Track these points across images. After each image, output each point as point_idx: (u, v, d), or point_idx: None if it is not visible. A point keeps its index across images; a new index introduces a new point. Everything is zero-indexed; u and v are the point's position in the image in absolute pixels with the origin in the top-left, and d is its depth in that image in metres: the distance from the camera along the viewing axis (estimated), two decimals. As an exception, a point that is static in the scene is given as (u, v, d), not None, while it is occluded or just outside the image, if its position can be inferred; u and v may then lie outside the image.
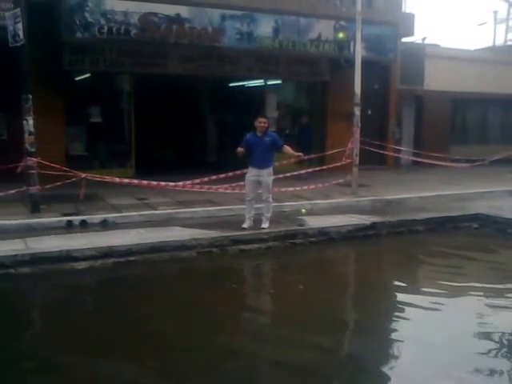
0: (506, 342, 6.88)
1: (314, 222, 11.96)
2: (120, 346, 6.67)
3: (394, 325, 7.70)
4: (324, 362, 6.39)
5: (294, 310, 8.07)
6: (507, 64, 24.76)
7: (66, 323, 7.36)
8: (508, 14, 38.62)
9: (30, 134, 11.61)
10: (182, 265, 9.85)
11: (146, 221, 11.84)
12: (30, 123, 11.59)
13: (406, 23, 19.39)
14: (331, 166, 15.98)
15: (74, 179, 12.37)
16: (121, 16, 14.26)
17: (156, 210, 12.56)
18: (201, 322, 7.34)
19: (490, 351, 6.58)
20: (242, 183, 12.04)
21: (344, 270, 10.76)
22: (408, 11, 21.10)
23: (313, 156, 16.53)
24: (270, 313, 8.38)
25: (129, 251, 9.72)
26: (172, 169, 16.98)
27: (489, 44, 35.27)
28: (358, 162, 15.12)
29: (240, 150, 11.06)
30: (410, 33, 20.03)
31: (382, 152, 18.64)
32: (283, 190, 14.03)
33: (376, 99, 21.27)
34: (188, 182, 13.33)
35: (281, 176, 14.15)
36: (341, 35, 16.96)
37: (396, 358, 6.58)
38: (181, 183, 13.30)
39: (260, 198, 11.34)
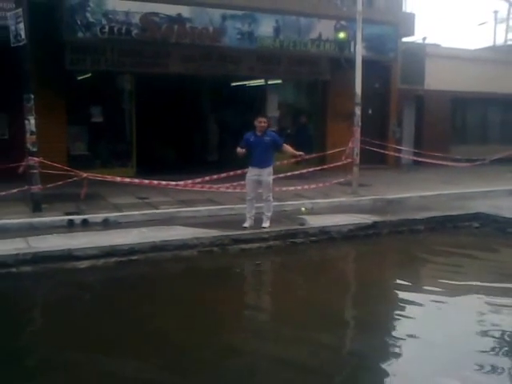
0: (507, 341, 6.91)
1: (315, 222, 11.98)
2: (123, 344, 6.69)
3: (395, 323, 7.73)
4: (326, 360, 6.42)
5: (295, 308, 8.09)
6: (507, 64, 24.77)
7: (68, 322, 7.38)
8: (508, 13, 38.67)
9: (32, 133, 11.65)
10: (183, 264, 9.88)
11: (148, 220, 11.87)
12: (31, 123, 11.63)
13: (406, 23, 19.42)
14: (332, 165, 16.03)
15: (75, 178, 12.41)
16: (122, 16, 14.30)
17: (157, 209, 12.59)
18: (203, 321, 7.37)
19: (491, 349, 6.61)
20: (242, 182, 12.07)
21: (345, 269, 10.80)
22: (408, 11, 21.15)
23: (312, 156, 16.55)
24: (271, 312, 8.40)
25: (131, 250, 9.75)
26: (173, 168, 17.02)
27: (489, 44, 35.32)
28: (358, 161, 15.15)
29: (241, 150, 11.09)
30: (411, 32, 20.06)
31: (382, 151, 18.66)
32: (284, 189, 14.07)
33: (376, 99, 21.30)
34: (189, 182, 13.36)
35: (281, 175, 14.21)
36: (341, 35, 16.98)
37: (397, 355, 6.60)
38: (182, 182, 13.33)
39: (260, 198, 11.38)
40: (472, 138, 24.67)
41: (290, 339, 6.85)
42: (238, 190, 13.26)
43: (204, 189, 13.36)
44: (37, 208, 11.83)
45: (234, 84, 20.94)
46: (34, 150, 11.67)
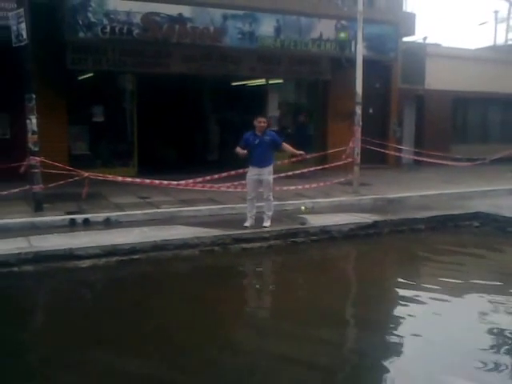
0: (508, 338, 6.94)
1: (316, 221, 12.00)
2: (125, 342, 6.71)
3: (396, 321, 7.74)
4: (328, 358, 6.46)
5: (297, 307, 8.10)
6: (508, 63, 24.78)
7: (69, 321, 7.41)
8: (509, 13, 38.69)
9: (34, 133, 11.68)
10: (184, 263, 9.91)
11: (149, 219, 11.90)
12: (33, 122, 11.66)
13: (407, 23, 19.42)
14: (333, 164, 16.06)
15: (76, 178, 12.46)
16: (123, 16, 14.32)
17: (159, 208, 12.63)
18: (204, 319, 7.40)
19: (492, 347, 6.66)
20: (243, 182, 12.10)
21: (346, 269, 10.82)
22: (409, 11, 21.11)
23: (313, 155, 16.59)
24: (272, 311, 8.42)
25: (132, 249, 9.77)
26: (174, 168, 17.07)
27: (490, 43, 35.31)
28: (359, 160, 15.18)
29: (242, 151, 11.10)
30: (411, 32, 20.05)
31: (383, 151, 18.69)
32: (285, 188, 14.11)
33: (377, 98, 21.32)
34: (190, 181, 13.39)
35: (282, 175, 14.25)
36: (342, 35, 17.01)
37: (399, 353, 6.64)
38: (183, 182, 13.37)
39: (261, 197, 11.41)
40: (472, 137, 24.69)
41: (292, 337, 6.87)
42: (238, 190, 13.30)
43: (205, 188, 13.38)
44: (38, 207, 11.86)
45: (234, 84, 20.95)
46: (36, 149, 11.71)
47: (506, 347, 6.72)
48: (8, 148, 14.53)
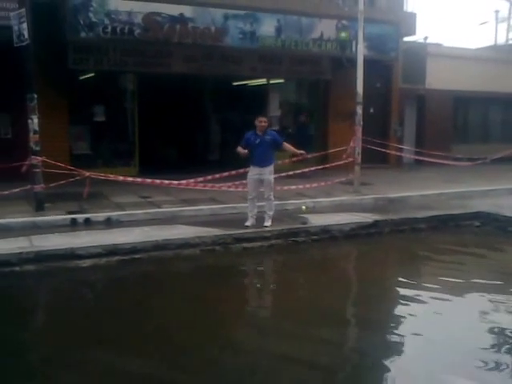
0: (508, 338, 6.96)
1: (317, 220, 12.01)
2: (126, 342, 6.72)
3: (397, 321, 7.74)
4: (329, 357, 6.47)
5: (298, 307, 8.09)
6: (509, 63, 24.79)
7: (71, 320, 7.42)
8: (509, 13, 38.70)
9: (35, 132, 11.71)
10: (186, 262, 9.91)
11: (150, 219, 11.92)
12: (34, 122, 11.68)
13: (407, 22, 19.42)
14: (333, 164, 16.06)
15: (78, 178, 12.50)
16: (125, 16, 14.34)
17: (160, 208, 12.65)
18: (206, 319, 7.41)
19: (493, 347, 6.66)
20: (244, 181, 12.10)
21: (347, 268, 10.83)
22: (410, 10, 21.15)
23: (314, 155, 16.61)
24: (273, 310, 8.42)
25: (133, 249, 9.77)
26: (175, 167, 17.11)
27: (490, 43, 35.30)
28: (360, 160, 15.20)
29: (243, 151, 11.10)
30: (412, 32, 20.04)
31: (384, 150, 18.72)
32: (286, 188, 14.13)
33: (378, 98, 21.34)
34: (191, 181, 13.41)
35: (283, 174, 14.26)
36: (343, 34, 17.03)
37: (400, 353, 6.65)
38: (184, 181, 13.39)
39: (262, 197, 11.42)
40: (473, 137, 24.72)
41: (293, 337, 6.88)
42: (239, 189, 13.32)
43: (206, 188, 13.40)
44: (40, 207, 11.88)
45: (235, 83, 20.97)
46: (37, 149, 11.74)
47: (507, 346, 6.71)
48: (9, 148, 14.56)
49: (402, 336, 7.07)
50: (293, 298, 8.51)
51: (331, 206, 13.85)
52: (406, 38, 20.96)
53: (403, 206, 13.98)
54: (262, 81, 20.09)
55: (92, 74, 16.99)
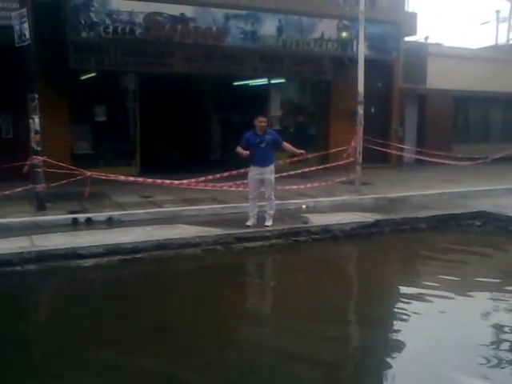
0: (510, 335, 7.00)
1: (318, 220, 12.03)
2: (127, 341, 6.74)
3: (399, 318, 7.75)
4: (332, 353, 6.52)
5: (299, 307, 8.09)
6: (509, 63, 24.79)
7: (72, 320, 7.42)
8: (510, 13, 38.62)
9: (36, 132, 11.72)
10: (187, 262, 9.92)
11: (152, 218, 11.93)
12: (36, 122, 11.70)
13: (408, 22, 19.43)
14: (334, 164, 16.07)
15: (79, 177, 12.51)
16: (126, 16, 14.35)
17: (161, 207, 12.66)
18: (208, 318, 7.42)
19: (495, 344, 6.72)
20: (245, 181, 12.09)
21: (348, 267, 10.84)
22: (411, 10, 21.20)
23: (314, 154, 16.65)
24: (275, 310, 8.42)
25: (135, 248, 9.79)
26: (176, 167, 17.15)
27: (491, 43, 35.29)
28: (361, 160, 15.20)
29: (245, 153, 11.08)
30: (413, 32, 20.06)
31: (384, 150, 18.75)
32: (287, 188, 14.14)
33: (379, 98, 21.34)
34: (192, 180, 13.42)
35: (284, 174, 14.26)
36: (344, 34, 17.03)
37: (403, 350, 6.68)
38: (185, 181, 13.40)
39: (263, 196, 11.43)
40: (474, 136, 24.72)
41: (297, 335, 6.91)
42: (240, 189, 13.34)
43: (207, 187, 13.41)
44: (41, 207, 11.90)
45: (236, 83, 21.00)
46: (39, 149, 11.75)
47: (509, 343, 6.77)
48: (11, 147, 14.57)
49: (405, 334, 7.12)
50: (295, 298, 8.50)
51: (332, 205, 13.86)
52: (407, 38, 20.97)
53: (404, 206, 13.98)
54: (263, 81, 20.10)
55: (93, 74, 16.99)
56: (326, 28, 16.95)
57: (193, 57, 17.44)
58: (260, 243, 10.80)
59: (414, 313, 7.78)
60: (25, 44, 11.47)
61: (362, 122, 15.15)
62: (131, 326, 7.16)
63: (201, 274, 9.52)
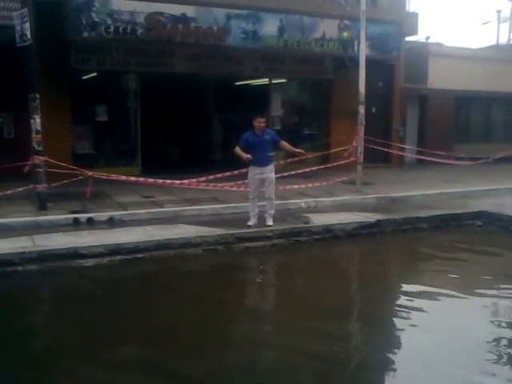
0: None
1: (319, 220, 12.02)
2: (129, 340, 6.75)
3: (400, 317, 7.76)
4: (336, 350, 6.56)
5: (301, 306, 8.10)
6: (510, 62, 24.79)
7: (74, 320, 7.42)
8: (511, 13, 38.60)
9: (37, 132, 11.73)
10: (188, 262, 9.90)
11: (153, 218, 11.93)
12: (37, 122, 11.71)
13: (409, 22, 19.43)
14: (335, 164, 16.07)
15: (80, 177, 12.52)
16: (127, 16, 14.36)
17: (162, 207, 12.66)
18: (208, 318, 7.42)
19: (498, 341, 6.74)
20: (247, 181, 12.09)
21: (349, 267, 10.81)
22: (412, 10, 21.23)
23: (315, 154, 16.68)
24: (276, 309, 8.42)
25: (136, 248, 9.77)
26: (178, 167, 17.14)
27: (492, 43, 35.25)
28: (362, 159, 15.20)
29: (246, 156, 11.05)
30: (414, 32, 20.06)
31: (386, 150, 18.74)
32: (288, 187, 14.16)
33: (380, 97, 21.36)
34: (193, 180, 13.43)
35: (285, 174, 14.28)
36: (345, 34, 17.03)
37: (405, 348, 6.72)
38: (186, 181, 13.41)
39: (263, 196, 11.44)
40: (475, 136, 24.72)
41: (301, 333, 6.96)
42: (242, 189, 13.35)
43: (208, 187, 13.43)
44: (42, 206, 11.90)
45: (238, 83, 20.99)
46: (40, 148, 11.76)
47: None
48: (12, 147, 14.57)
49: (408, 332, 7.16)
50: (297, 298, 8.51)
51: (333, 205, 13.86)
52: (408, 38, 20.97)
53: (405, 206, 13.98)
54: (265, 80, 20.11)
55: (94, 74, 17.01)
56: (327, 28, 16.95)
57: (194, 57, 17.45)
58: (261, 243, 10.80)
59: (417, 311, 7.82)
60: (26, 44, 11.48)
61: (363, 122, 15.14)
62: (132, 326, 7.16)
63: (202, 274, 9.52)
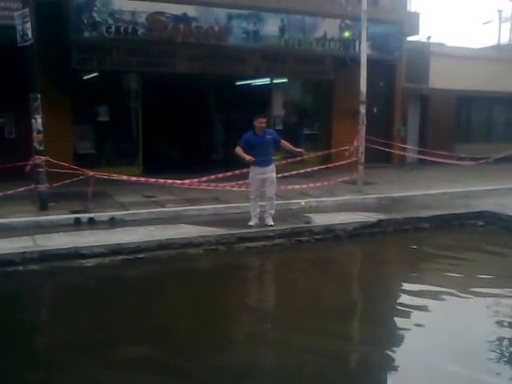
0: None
1: (320, 220, 12.02)
2: (129, 340, 6.75)
3: (401, 317, 7.78)
4: (338, 348, 6.61)
5: (303, 306, 8.10)
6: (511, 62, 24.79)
7: (74, 320, 7.43)
8: (513, 12, 38.55)
9: (39, 132, 11.73)
10: (189, 262, 9.90)
11: (154, 218, 11.93)
12: (38, 122, 11.71)
13: (411, 22, 19.42)
14: (337, 163, 16.08)
15: (81, 177, 12.52)
16: (128, 15, 14.36)
17: (164, 207, 12.66)
18: (208, 318, 7.43)
19: (500, 339, 6.75)
20: (248, 181, 12.09)
21: (350, 267, 10.80)
22: (413, 10, 21.19)
23: (317, 154, 16.70)
24: (278, 309, 8.42)
25: (137, 248, 9.78)
26: (179, 167, 17.17)
27: (494, 42, 35.22)
28: (363, 159, 15.19)
29: (249, 158, 11.04)
30: (415, 31, 20.04)
31: (387, 150, 18.73)
32: (289, 187, 14.16)
33: (381, 97, 21.33)
34: (195, 180, 13.44)
35: (287, 174, 14.28)
36: (346, 34, 17.03)
37: (407, 345, 6.77)
38: (188, 181, 13.41)
39: (264, 196, 11.44)
40: (476, 136, 24.70)
41: (304, 331, 6.99)
42: (243, 189, 13.34)
43: (210, 187, 13.42)
44: (43, 206, 11.91)
45: (239, 83, 20.99)
46: (41, 148, 11.76)
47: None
48: (13, 147, 14.56)
49: (409, 330, 7.20)
50: (298, 297, 8.53)
51: (335, 205, 13.86)
52: (410, 38, 20.92)
53: (407, 206, 13.98)
54: (266, 80, 20.09)
55: (96, 74, 17.00)
56: (329, 28, 16.95)
57: (195, 56, 17.45)
58: (262, 243, 10.80)
59: (419, 310, 7.85)
60: (27, 44, 11.48)
61: (365, 122, 15.13)
62: (132, 326, 7.16)
63: (203, 274, 9.52)
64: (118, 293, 8.56)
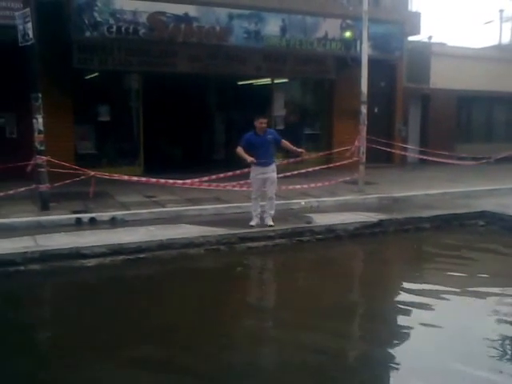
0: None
1: (321, 220, 12.02)
2: (130, 339, 6.75)
3: (404, 316, 7.80)
4: (339, 345, 6.64)
5: (304, 306, 8.08)
6: (513, 62, 24.79)
7: (75, 319, 7.44)
8: (514, 12, 38.49)
9: (40, 132, 11.74)
10: (190, 262, 9.90)
11: (155, 218, 11.93)
12: (39, 122, 11.72)
13: (412, 22, 19.43)
14: (338, 163, 16.09)
15: (82, 177, 12.54)
16: (129, 15, 14.37)
17: (165, 207, 12.66)
18: (209, 318, 7.43)
19: (502, 337, 6.77)
20: (249, 181, 12.08)
21: (352, 267, 10.80)
22: (414, 10, 21.18)
23: (318, 154, 16.70)
24: (279, 308, 8.39)
25: (138, 248, 9.77)
26: (180, 167, 17.16)
27: (495, 42, 35.15)
28: (364, 159, 15.19)
29: (251, 159, 11.03)
30: (417, 31, 20.06)
31: (388, 150, 18.73)
32: (290, 187, 14.16)
33: (382, 97, 21.34)
34: (196, 180, 13.44)
35: (288, 174, 14.28)
36: (347, 34, 17.02)
37: (409, 344, 6.76)
38: (189, 181, 13.42)
39: (265, 196, 11.44)
40: (477, 136, 24.70)
41: (307, 330, 6.99)
42: (244, 189, 13.34)
43: (211, 187, 13.43)
44: (45, 206, 11.91)
45: (240, 83, 20.98)
46: (42, 148, 11.76)
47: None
48: (14, 147, 14.57)
49: (411, 330, 7.20)
50: (299, 297, 8.51)
51: (336, 205, 13.86)
52: (411, 38, 20.94)
53: (408, 206, 13.98)
54: (267, 80, 20.09)
55: (97, 74, 17.02)
56: (330, 28, 16.95)
57: (196, 56, 17.45)
58: (263, 243, 10.79)
59: (421, 309, 7.85)
60: (28, 44, 11.49)
61: (366, 122, 15.13)
62: (133, 325, 7.17)
63: (204, 274, 9.51)
64: (118, 293, 8.56)
